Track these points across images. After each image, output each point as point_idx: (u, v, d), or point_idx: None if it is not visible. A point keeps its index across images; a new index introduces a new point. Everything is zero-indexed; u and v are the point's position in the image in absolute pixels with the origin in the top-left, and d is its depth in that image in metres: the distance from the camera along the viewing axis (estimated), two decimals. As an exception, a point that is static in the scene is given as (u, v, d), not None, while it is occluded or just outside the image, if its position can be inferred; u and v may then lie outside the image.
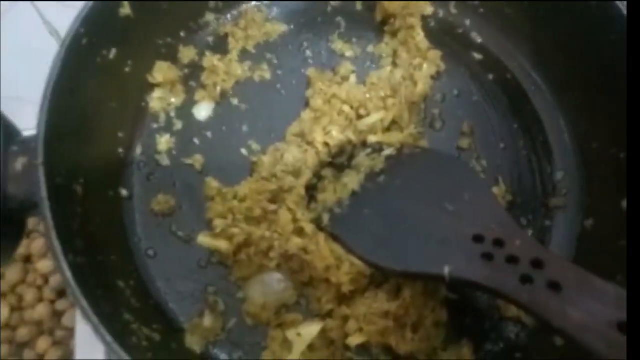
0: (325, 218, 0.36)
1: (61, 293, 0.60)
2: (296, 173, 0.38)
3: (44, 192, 0.29)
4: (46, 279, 0.60)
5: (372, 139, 0.39)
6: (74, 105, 0.34)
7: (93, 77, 0.36)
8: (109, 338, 0.27)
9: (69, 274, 0.28)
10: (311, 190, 0.37)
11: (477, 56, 0.44)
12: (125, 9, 0.37)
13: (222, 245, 0.36)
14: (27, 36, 0.55)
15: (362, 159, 0.37)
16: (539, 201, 0.40)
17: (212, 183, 0.38)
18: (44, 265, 0.59)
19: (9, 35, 0.54)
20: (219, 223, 0.36)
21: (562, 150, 0.41)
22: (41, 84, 0.31)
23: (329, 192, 0.36)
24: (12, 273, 0.60)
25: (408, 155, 0.37)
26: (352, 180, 0.36)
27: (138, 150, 0.40)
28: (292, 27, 0.45)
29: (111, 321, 0.28)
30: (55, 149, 0.31)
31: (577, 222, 0.39)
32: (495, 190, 0.39)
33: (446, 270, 0.30)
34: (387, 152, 0.37)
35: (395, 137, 0.40)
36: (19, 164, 0.31)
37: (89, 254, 0.32)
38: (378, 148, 0.38)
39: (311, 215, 0.36)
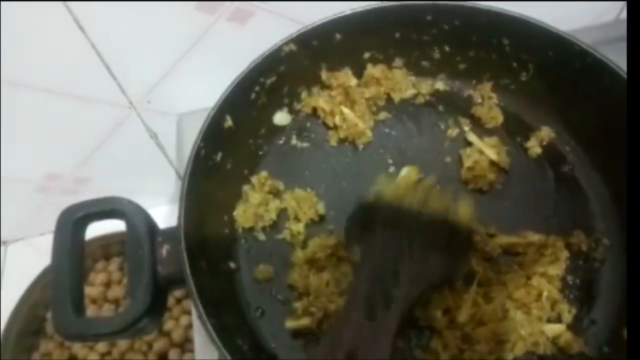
0: None
1: (163, 356, 0.69)
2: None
3: (187, 270, 0.38)
4: (150, 346, 0.70)
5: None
6: (197, 200, 0.43)
7: (208, 177, 0.46)
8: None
9: (213, 332, 0.36)
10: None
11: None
12: (228, 122, 0.47)
13: (306, 322, 0.43)
14: (134, 143, 0.68)
15: None
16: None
17: (299, 253, 0.47)
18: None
19: (118, 144, 0.67)
20: (298, 305, 0.44)
21: (600, 201, 0.48)
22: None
23: None
24: (123, 341, 0.69)
25: None
26: None
27: (239, 229, 0.49)
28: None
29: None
30: (188, 236, 0.41)
31: (622, 264, 0.45)
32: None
33: None
34: None
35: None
36: (164, 250, 0.41)
37: (216, 317, 0.40)
38: None
39: None
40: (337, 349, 0.34)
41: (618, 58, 0.46)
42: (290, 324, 0.44)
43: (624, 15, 0.68)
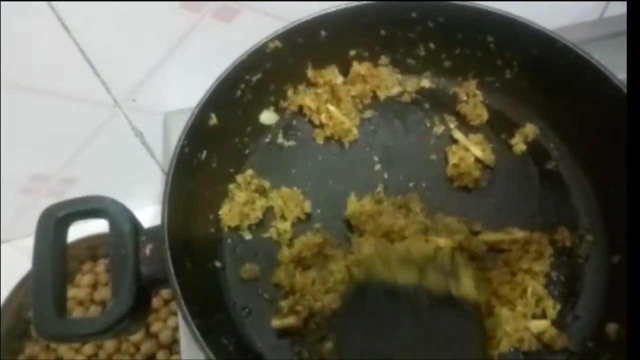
0: None
1: (150, 358, 0.69)
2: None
3: (171, 269, 0.38)
4: (138, 347, 0.69)
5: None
6: (182, 199, 0.43)
7: (192, 175, 0.45)
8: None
9: (197, 332, 0.36)
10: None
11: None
12: (213, 120, 0.47)
13: (291, 320, 0.43)
14: (120, 142, 0.67)
15: None
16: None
17: (285, 252, 0.47)
18: (136, 335, 0.68)
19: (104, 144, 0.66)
20: (284, 304, 0.44)
21: (584, 197, 0.48)
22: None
23: None
24: (110, 343, 0.69)
25: None
26: None
27: (225, 228, 0.49)
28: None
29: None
30: (172, 235, 0.40)
31: (605, 261, 0.45)
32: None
33: None
34: None
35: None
36: (148, 249, 0.41)
37: (201, 317, 0.40)
38: None
39: None
40: None
41: (602, 56, 0.46)
42: (277, 322, 0.44)
43: (608, 13, 0.68)
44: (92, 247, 0.74)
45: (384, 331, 0.38)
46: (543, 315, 0.43)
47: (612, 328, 0.42)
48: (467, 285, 0.40)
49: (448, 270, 0.40)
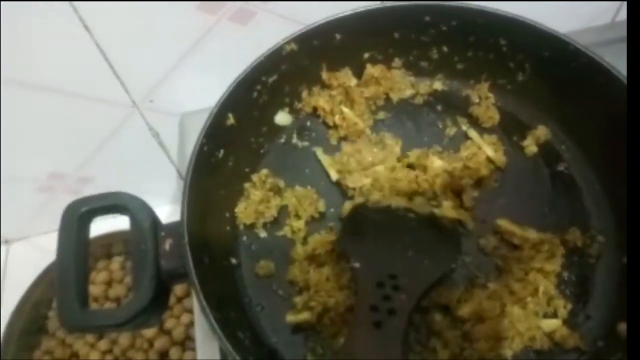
0: None
1: (164, 354, 0.70)
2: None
3: (190, 264, 0.39)
4: (151, 344, 0.70)
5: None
6: (199, 197, 0.44)
7: (210, 173, 0.47)
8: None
9: (216, 325, 0.37)
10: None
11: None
12: (230, 120, 0.48)
13: (306, 316, 0.44)
14: (137, 142, 0.69)
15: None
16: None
17: (299, 249, 0.48)
18: (149, 331, 0.69)
19: (121, 143, 0.68)
20: (298, 300, 0.45)
21: (595, 198, 0.49)
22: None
23: None
24: (124, 339, 0.70)
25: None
26: None
27: (240, 226, 0.50)
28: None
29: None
30: (191, 231, 0.41)
31: (617, 261, 0.45)
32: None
33: None
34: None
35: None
36: (167, 244, 0.42)
37: (218, 311, 0.41)
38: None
39: None
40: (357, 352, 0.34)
41: (614, 59, 0.47)
42: (291, 318, 0.45)
43: (621, 17, 0.69)
44: (106, 245, 0.76)
45: (380, 241, 0.42)
46: (554, 315, 0.44)
47: (623, 328, 0.42)
48: (447, 209, 0.46)
49: (431, 196, 0.47)
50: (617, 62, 0.46)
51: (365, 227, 0.44)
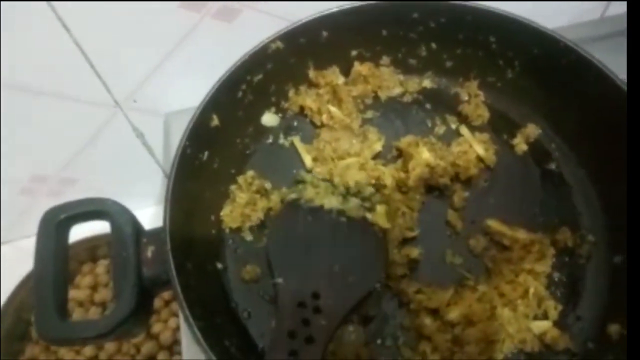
0: None
1: (151, 359, 0.69)
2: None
3: (173, 271, 0.38)
4: (138, 349, 0.69)
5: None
6: (183, 200, 0.43)
7: (194, 176, 0.45)
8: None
9: (199, 335, 0.36)
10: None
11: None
12: (215, 121, 0.47)
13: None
14: (121, 143, 0.67)
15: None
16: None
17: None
18: (136, 337, 0.68)
19: (104, 144, 0.66)
20: None
21: (585, 198, 0.48)
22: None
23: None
24: (110, 344, 0.69)
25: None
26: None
27: (226, 229, 0.49)
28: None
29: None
30: (174, 236, 0.40)
31: (607, 261, 0.45)
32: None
33: None
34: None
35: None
36: (149, 251, 0.41)
37: (203, 319, 0.40)
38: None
39: None
40: None
41: (603, 56, 0.46)
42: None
43: (609, 13, 0.68)
44: (91, 247, 0.74)
45: (308, 251, 0.42)
46: (545, 316, 0.43)
47: (614, 329, 0.42)
48: (380, 215, 0.45)
49: (366, 201, 0.46)
50: (607, 58, 0.46)
51: (294, 232, 0.43)
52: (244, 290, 0.46)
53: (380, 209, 0.46)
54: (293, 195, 0.46)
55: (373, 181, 0.48)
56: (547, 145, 0.51)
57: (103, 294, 0.70)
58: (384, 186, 0.48)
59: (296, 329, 0.35)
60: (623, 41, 0.64)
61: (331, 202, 0.45)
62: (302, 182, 0.48)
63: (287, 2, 0.55)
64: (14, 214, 0.74)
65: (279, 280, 0.40)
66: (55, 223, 0.39)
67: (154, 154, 0.72)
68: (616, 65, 0.45)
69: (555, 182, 0.50)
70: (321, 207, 0.44)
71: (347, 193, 0.46)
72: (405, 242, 0.46)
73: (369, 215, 0.45)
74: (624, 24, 0.66)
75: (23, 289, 0.69)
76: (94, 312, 0.70)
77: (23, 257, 0.76)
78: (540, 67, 0.50)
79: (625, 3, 0.66)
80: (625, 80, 0.44)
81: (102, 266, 0.74)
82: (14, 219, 0.75)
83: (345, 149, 0.50)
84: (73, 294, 0.70)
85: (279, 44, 0.49)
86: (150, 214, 0.75)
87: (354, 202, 0.45)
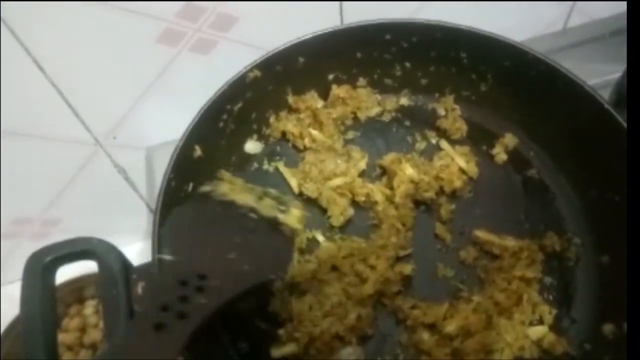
0: None
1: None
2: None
3: (165, 307, 0.37)
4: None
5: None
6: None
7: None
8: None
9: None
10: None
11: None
12: (197, 152, 0.47)
13: (291, 348, 0.43)
14: (103, 180, 0.67)
15: None
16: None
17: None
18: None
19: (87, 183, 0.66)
20: (282, 332, 0.43)
21: (567, 201, 0.49)
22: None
23: None
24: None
25: None
26: None
27: (216, 259, 0.48)
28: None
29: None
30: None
31: (595, 262, 0.46)
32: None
33: None
34: None
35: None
36: (139, 288, 0.40)
37: (197, 352, 0.39)
38: None
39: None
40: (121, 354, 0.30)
41: (569, 64, 0.48)
42: (276, 352, 0.43)
43: (571, 24, 0.71)
44: (78, 289, 0.72)
45: (206, 236, 0.41)
46: (540, 322, 0.44)
47: (608, 328, 0.42)
48: (292, 216, 0.45)
49: (280, 202, 0.46)
50: (573, 67, 0.48)
51: (197, 218, 0.42)
52: (238, 321, 0.45)
53: (295, 212, 0.45)
54: (207, 188, 0.45)
55: (363, 198, 0.49)
56: (526, 153, 0.53)
57: (93, 336, 0.68)
58: (375, 203, 0.49)
59: (170, 304, 0.33)
60: (586, 50, 0.67)
61: (245, 199, 0.44)
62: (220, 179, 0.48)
63: (262, 31, 0.56)
64: (-4, 260, 0.72)
65: (167, 256, 0.38)
66: (41, 266, 0.38)
67: (137, 189, 0.72)
68: (582, 72, 0.47)
69: (537, 188, 0.51)
70: (232, 201, 0.44)
71: (264, 194, 0.46)
72: (398, 258, 0.46)
73: (280, 216, 0.44)
74: (585, 34, 0.69)
75: (9, 336, 0.66)
76: (84, 355, 0.67)
77: (7, 303, 0.74)
78: (511, 78, 0.51)
79: (585, 15, 0.69)
80: (594, 87, 0.46)
81: (89, 307, 0.72)
82: (-5, 266, 0.73)
83: (332, 169, 0.50)
84: (61, 337, 0.67)
85: (257, 72, 0.49)
86: (137, 250, 0.74)
87: (268, 202, 0.45)
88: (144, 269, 0.40)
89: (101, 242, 0.40)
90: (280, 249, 0.43)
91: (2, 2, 0.45)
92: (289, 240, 0.44)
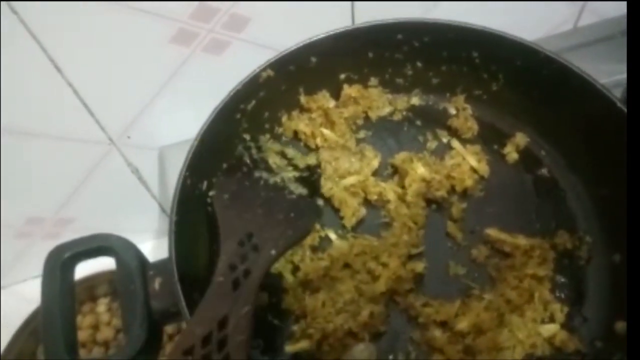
0: None
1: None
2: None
3: (182, 303, 0.38)
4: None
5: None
6: (186, 231, 0.43)
7: (195, 206, 0.46)
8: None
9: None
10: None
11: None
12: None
13: (305, 344, 0.43)
14: (116, 179, 0.67)
15: None
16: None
17: (290, 278, 0.47)
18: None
19: (99, 182, 0.66)
20: (296, 328, 0.44)
21: (579, 200, 0.50)
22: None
23: None
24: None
25: None
26: None
27: (230, 257, 0.49)
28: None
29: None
30: (180, 266, 0.40)
31: (607, 260, 0.46)
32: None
33: None
34: None
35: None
36: (157, 284, 0.40)
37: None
38: None
39: None
40: (211, 318, 0.34)
41: (580, 63, 0.48)
42: (289, 348, 0.44)
43: (582, 23, 0.71)
44: (90, 287, 0.73)
45: (248, 197, 0.46)
46: (552, 319, 0.44)
47: (620, 326, 0.42)
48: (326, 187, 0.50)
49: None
50: (583, 66, 0.48)
51: (236, 189, 0.46)
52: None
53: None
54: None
55: (375, 197, 0.49)
56: (537, 152, 0.53)
57: (105, 333, 0.69)
58: (388, 201, 0.49)
59: (236, 263, 0.38)
60: (596, 49, 0.67)
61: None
62: None
63: (275, 31, 0.57)
64: (10, 258, 0.73)
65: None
66: (61, 262, 0.39)
67: (150, 188, 0.72)
68: (593, 72, 0.47)
69: (549, 187, 0.51)
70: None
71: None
72: (410, 256, 0.47)
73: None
74: (596, 34, 0.69)
75: (24, 333, 0.67)
76: (97, 352, 0.68)
77: (22, 301, 0.75)
78: (523, 78, 0.51)
79: (596, 14, 0.70)
80: (606, 85, 0.46)
81: (102, 305, 0.73)
82: (10, 264, 0.74)
83: (346, 168, 0.51)
84: (74, 335, 0.68)
85: (270, 72, 0.50)
86: (149, 248, 0.75)
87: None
88: (161, 265, 0.41)
89: (119, 238, 0.41)
90: (310, 207, 0.47)
91: (20, 4, 0.46)
92: (317, 205, 0.49)
